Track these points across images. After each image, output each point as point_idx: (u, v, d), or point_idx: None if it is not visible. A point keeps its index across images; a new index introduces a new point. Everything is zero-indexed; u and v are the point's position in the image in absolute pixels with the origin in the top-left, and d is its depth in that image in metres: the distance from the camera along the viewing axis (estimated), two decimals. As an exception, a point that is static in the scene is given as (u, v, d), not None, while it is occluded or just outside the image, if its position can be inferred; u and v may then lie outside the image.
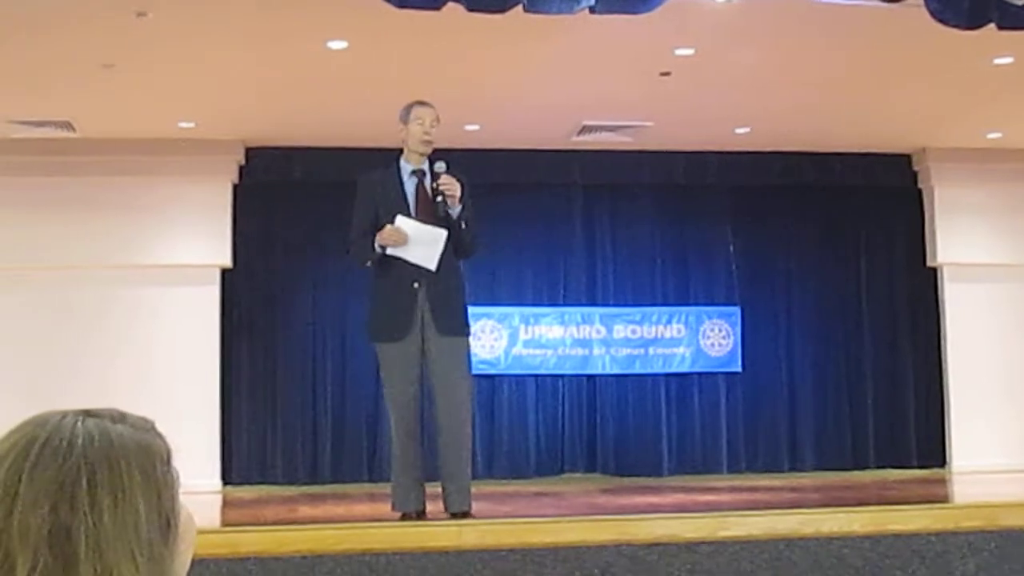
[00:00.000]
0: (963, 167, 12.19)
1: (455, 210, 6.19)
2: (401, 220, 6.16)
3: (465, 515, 6.07)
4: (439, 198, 6.20)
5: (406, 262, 6.16)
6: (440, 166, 6.26)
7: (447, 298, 6.23)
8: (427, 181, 6.32)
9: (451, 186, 6.18)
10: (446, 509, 6.17)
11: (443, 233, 6.15)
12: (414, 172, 6.33)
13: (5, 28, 8.10)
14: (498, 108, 10.52)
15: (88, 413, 1.35)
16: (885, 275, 12.69)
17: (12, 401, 10.13)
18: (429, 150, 6.32)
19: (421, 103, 6.37)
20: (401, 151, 6.43)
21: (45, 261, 11.15)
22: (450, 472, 6.20)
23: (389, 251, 6.15)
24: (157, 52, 8.76)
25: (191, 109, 10.49)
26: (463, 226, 6.20)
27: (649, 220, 12.48)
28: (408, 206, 6.25)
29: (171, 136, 11.07)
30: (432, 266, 6.13)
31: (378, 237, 6.15)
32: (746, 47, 8.93)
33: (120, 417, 1.36)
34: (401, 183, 6.32)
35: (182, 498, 1.37)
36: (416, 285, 6.17)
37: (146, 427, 1.37)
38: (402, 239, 6.12)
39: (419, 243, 6.13)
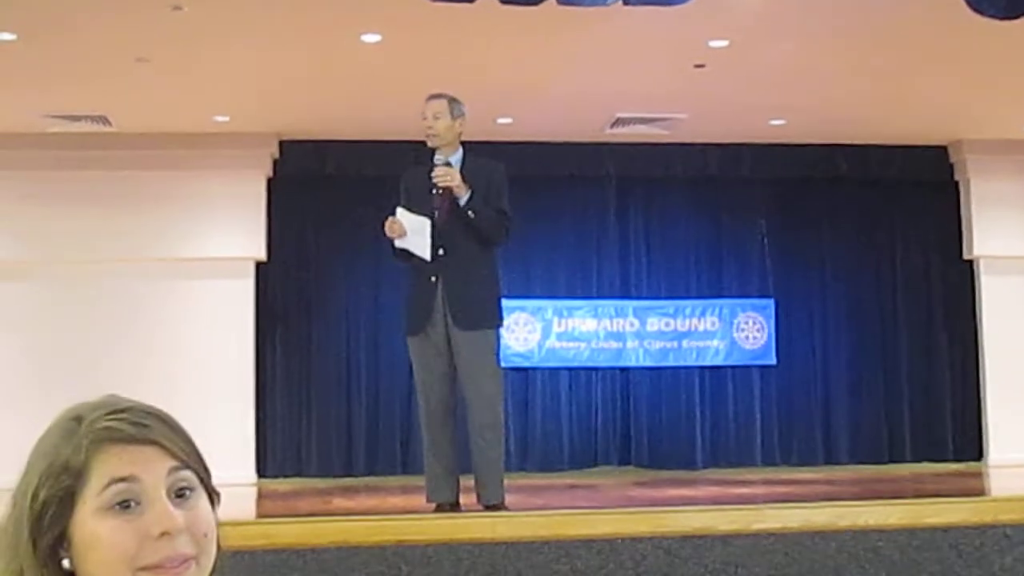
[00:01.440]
0: (1000, 159, 12.11)
1: (461, 199, 6.19)
2: (400, 212, 6.21)
3: (497, 507, 6.08)
4: (433, 191, 6.22)
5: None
6: (439, 159, 6.28)
7: (467, 291, 6.21)
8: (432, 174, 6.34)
9: (444, 177, 6.18)
10: (479, 501, 6.18)
11: (426, 222, 6.17)
12: (442, 165, 6.34)
13: (41, 22, 8.16)
14: (531, 101, 10.50)
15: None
16: (920, 268, 12.62)
17: (45, 394, 10.21)
18: (436, 143, 6.30)
19: (429, 97, 6.38)
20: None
21: (80, 255, 11.23)
22: (481, 465, 6.21)
23: (397, 243, 6.22)
24: (192, 46, 8.81)
25: (226, 103, 10.53)
26: (470, 215, 6.19)
27: (683, 213, 12.44)
28: (432, 197, 6.27)
29: (206, 130, 11.12)
30: (426, 256, 6.15)
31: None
32: (781, 39, 8.88)
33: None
34: (430, 177, 6.33)
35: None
36: (434, 279, 6.18)
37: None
38: (399, 230, 6.17)
39: (414, 233, 6.19)
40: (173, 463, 1.39)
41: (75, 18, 8.09)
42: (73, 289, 11.26)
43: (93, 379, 10.44)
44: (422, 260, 6.20)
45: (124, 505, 1.35)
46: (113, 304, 11.25)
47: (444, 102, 6.31)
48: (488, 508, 6.07)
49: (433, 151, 6.36)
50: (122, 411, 1.41)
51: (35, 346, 11.13)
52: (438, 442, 6.27)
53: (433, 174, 6.22)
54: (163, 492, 1.38)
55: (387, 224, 6.19)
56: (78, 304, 11.23)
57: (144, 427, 1.40)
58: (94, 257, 11.24)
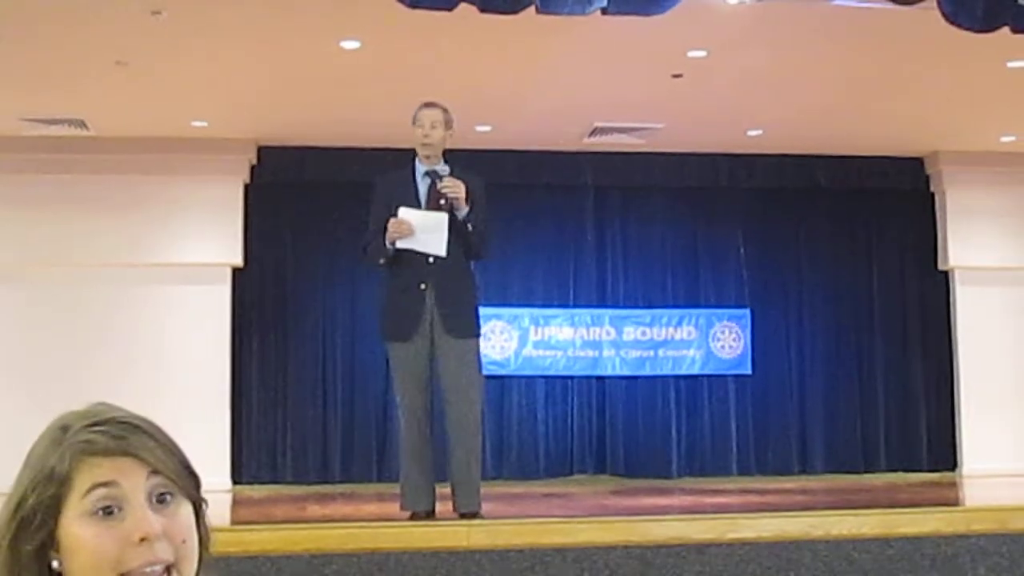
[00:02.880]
0: (976, 171, 12.18)
1: (461, 212, 6.19)
2: (404, 211, 6.15)
3: (474, 516, 6.07)
4: (442, 201, 6.19)
5: (415, 262, 6.15)
6: (443, 169, 6.26)
7: (456, 299, 6.22)
8: (439, 183, 6.32)
9: (454, 188, 6.17)
10: (455, 509, 6.17)
11: (444, 217, 6.14)
12: (427, 173, 6.33)
13: (20, 25, 8.12)
14: (510, 109, 10.52)
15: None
16: (896, 278, 12.67)
17: (22, 399, 10.18)
18: (430, 152, 6.30)
19: (426, 105, 6.36)
20: (415, 152, 6.44)
21: (57, 259, 11.18)
22: (460, 473, 6.20)
23: (399, 244, 6.15)
24: (171, 51, 8.78)
25: (204, 108, 10.50)
26: (470, 228, 6.19)
27: (660, 222, 12.47)
28: (420, 207, 6.25)
29: (184, 135, 11.09)
30: (441, 252, 6.10)
31: (387, 233, 6.15)
32: (759, 49, 8.92)
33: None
34: (415, 184, 6.32)
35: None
36: (423, 286, 6.16)
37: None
38: (407, 230, 6.11)
39: (424, 231, 6.13)
40: (150, 470, 1.44)
41: (54, 21, 8.06)
42: (49, 293, 11.20)
43: (69, 384, 10.40)
44: (410, 267, 6.17)
45: (107, 511, 1.41)
46: (89, 309, 11.20)
47: (440, 112, 6.32)
48: (464, 516, 6.07)
49: (414, 158, 6.36)
50: (103, 423, 1.45)
51: (10, 350, 11.06)
52: (417, 450, 6.25)
53: (441, 185, 6.19)
54: (142, 498, 1.42)
55: (392, 224, 6.09)
56: (53, 309, 11.17)
57: (122, 439, 1.44)
58: (70, 261, 11.19)
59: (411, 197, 6.26)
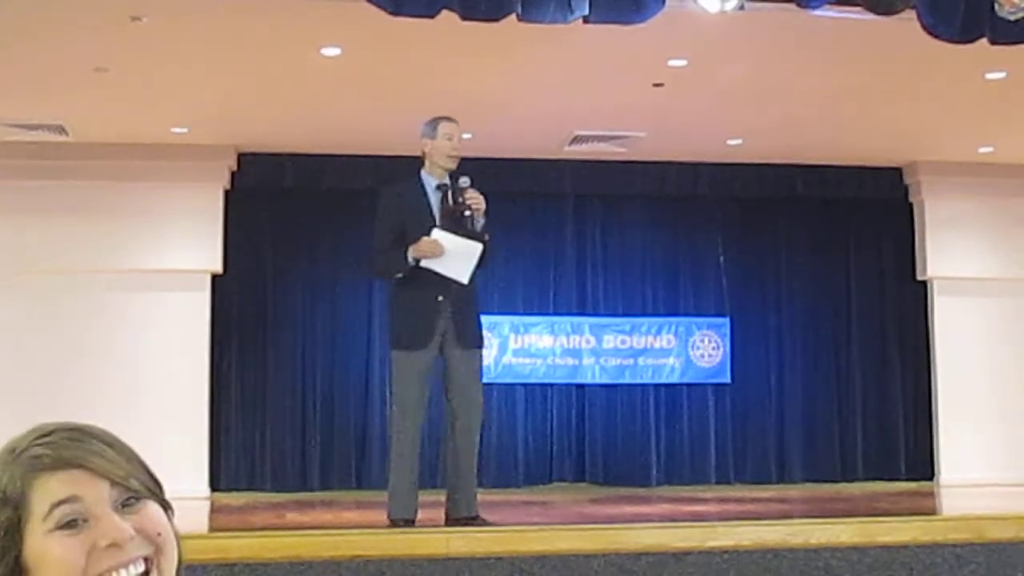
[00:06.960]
0: (954, 181, 12.23)
1: (479, 223, 6.26)
2: (438, 233, 6.21)
3: (475, 519, 6.14)
4: (467, 212, 6.25)
5: (433, 274, 6.20)
6: (464, 181, 6.33)
7: (469, 312, 6.32)
8: (451, 195, 6.38)
9: (477, 200, 6.26)
10: (448, 516, 6.22)
11: (478, 247, 6.23)
12: (439, 186, 6.38)
13: (-1, 31, 8.10)
14: (491, 117, 10.51)
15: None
16: (875, 288, 12.72)
17: (0, 406, 10.12)
18: (455, 165, 6.38)
19: (448, 119, 6.45)
20: (421, 164, 6.48)
21: (36, 265, 11.12)
22: (462, 479, 6.30)
23: (426, 263, 6.21)
24: (151, 57, 8.76)
25: (184, 114, 10.48)
26: (486, 239, 6.27)
27: (640, 230, 12.49)
28: (434, 219, 6.30)
29: (164, 141, 11.06)
30: (465, 280, 6.22)
31: (413, 249, 6.19)
32: (739, 59, 8.95)
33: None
34: (426, 196, 6.36)
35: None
36: (441, 298, 6.22)
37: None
38: (440, 251, 6.18)
39: (454, 256, 6.21)
40: (109, 479, 1.40)
41: (34, 27, 8.03)
42: (26, 300, 11.14)
43: (47, 391, 10.37)
44: (428, 279, 6.21)
45: (71, 524, 1.36)
46: (67, 315, 11.15)
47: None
48: (465, 520, 6.11)
49: (419, 169, 6.42)
50: (48, 435, 1.41)
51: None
52: (409, 457, 6.30)
53: (465, 197, 6.26)
54: (108, 507, 1.38)
55: (424, 243, 6.18)
56: (31, 315, 11.11)
57: (71, 449, 1.40)
58: (48, 267, 11.13)
59: (424, 211, 6.32)
